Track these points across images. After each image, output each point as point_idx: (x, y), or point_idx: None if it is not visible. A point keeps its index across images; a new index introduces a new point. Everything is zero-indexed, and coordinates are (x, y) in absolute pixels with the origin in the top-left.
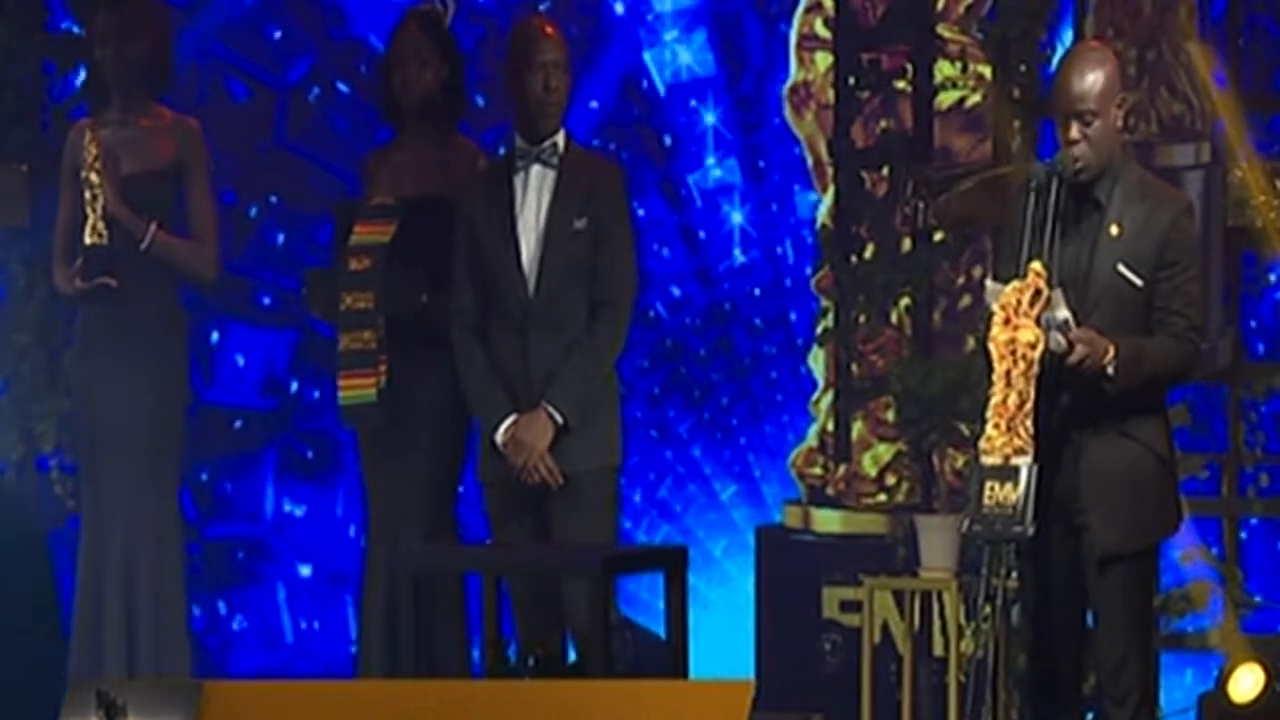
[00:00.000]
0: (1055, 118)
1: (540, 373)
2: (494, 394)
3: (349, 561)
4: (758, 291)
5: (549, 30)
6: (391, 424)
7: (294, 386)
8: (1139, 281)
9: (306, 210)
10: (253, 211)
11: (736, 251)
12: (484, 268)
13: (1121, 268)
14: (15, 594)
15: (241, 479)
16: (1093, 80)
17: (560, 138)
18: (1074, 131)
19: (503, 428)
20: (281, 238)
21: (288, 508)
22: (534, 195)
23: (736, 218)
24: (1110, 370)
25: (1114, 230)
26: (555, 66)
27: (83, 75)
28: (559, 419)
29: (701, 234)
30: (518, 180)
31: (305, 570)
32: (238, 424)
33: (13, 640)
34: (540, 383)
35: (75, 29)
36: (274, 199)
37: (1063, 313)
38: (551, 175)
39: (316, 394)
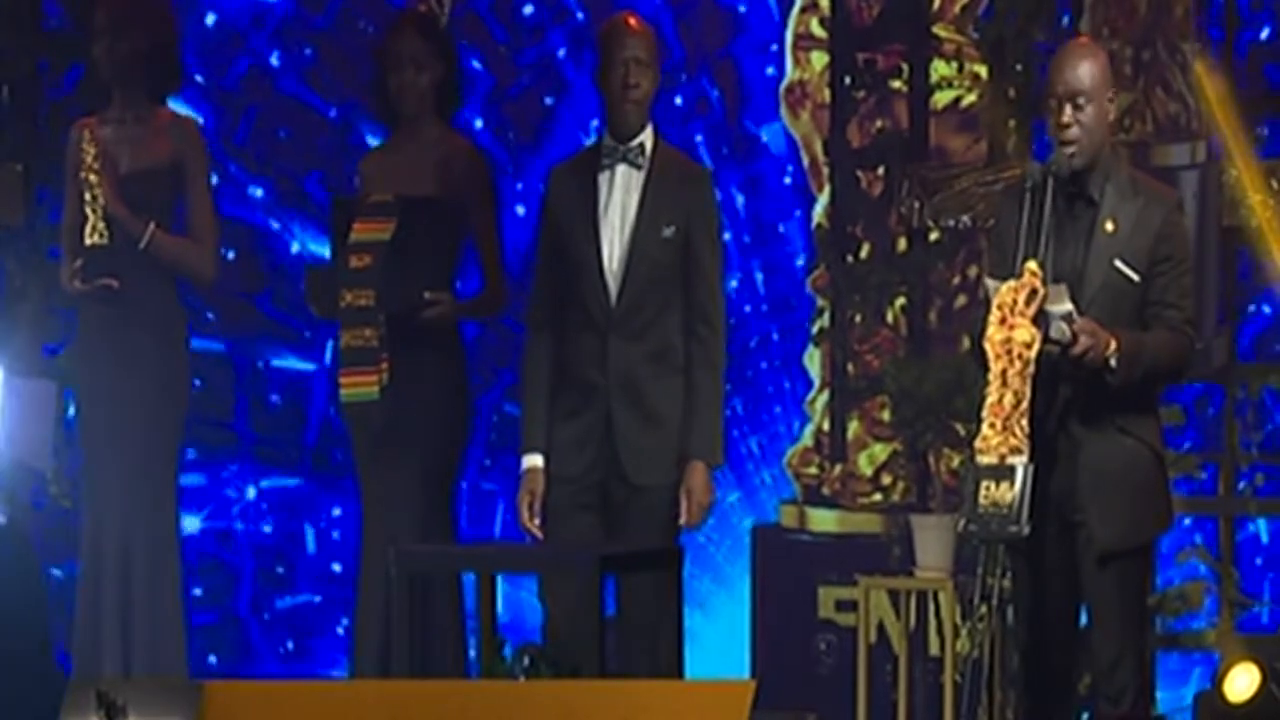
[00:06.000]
0: (1048, 105)
1: (617, 377)
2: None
3: None
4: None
5: (634, 25)
6: (390, 422)
7: None
8: (1135, 277)
9: None
10: None
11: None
12: (565, 267)
13: (1118, 264)
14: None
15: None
16: (1085, 69)
17: (648, 137)
18: (1066, 115)
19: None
20: None
21: None
22: (619, 196)
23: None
24: (1113, 363)
25: (1109, 227)
26: (639, 63)
27: (78, 74)
28: (715, 464)
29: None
30: (603, 178)
31: None
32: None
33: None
34: (618, 388)
35: (70, 28)
36: None
37: (1066, 305)
38: (639, 177)
39: None
